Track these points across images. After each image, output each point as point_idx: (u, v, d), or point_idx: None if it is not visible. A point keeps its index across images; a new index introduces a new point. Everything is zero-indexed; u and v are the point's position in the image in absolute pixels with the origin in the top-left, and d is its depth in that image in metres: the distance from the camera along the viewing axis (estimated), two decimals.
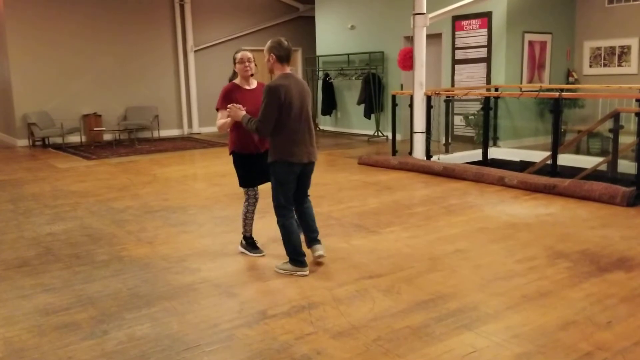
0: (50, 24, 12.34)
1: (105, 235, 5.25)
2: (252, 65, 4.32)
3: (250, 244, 4.62)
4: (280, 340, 3.10)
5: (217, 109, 4.35)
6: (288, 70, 4.03)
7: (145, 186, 7.60)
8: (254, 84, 4.39)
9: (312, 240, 4.31)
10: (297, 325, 3.27)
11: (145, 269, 4.30)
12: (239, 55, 4.31)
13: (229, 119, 4.15)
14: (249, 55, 4.33)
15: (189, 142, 12.56)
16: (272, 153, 4.03)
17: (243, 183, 4.49)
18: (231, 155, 4.46)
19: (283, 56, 3.98)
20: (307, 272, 4.08)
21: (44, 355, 2.99)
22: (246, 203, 4.56)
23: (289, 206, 4.13)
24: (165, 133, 13.80)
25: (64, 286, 3.98)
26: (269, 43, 4.01)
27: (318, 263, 4.28)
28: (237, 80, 4.37)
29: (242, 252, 4.63)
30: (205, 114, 14.39)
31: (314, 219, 4.35)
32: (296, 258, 4.10)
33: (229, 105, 4.10)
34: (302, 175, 4.15)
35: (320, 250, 4.27)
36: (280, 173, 4.03)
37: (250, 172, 4.41)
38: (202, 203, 6.51)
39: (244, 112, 4.04)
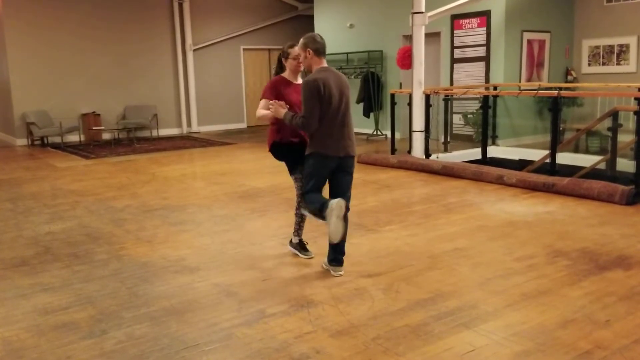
0: (49, 23, 12.32)
1: (104, 235, 5.25)
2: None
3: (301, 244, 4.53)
4: (279, 339, 3.10)
5: (262, 98, 4.28)
6: (325, 63, 3.97)
7: (144, 185, 7.59)
8: (299, 80, 4.34)
9: (336, 260, 4.06)
10: (296, 324, 3.26)
11: (144, 268, 4.29)
12: (292, 51, 4.21)
13: (268, 113, 4.08)
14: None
15: (188, 141, 12.55)
16: (309, 145, 3.99)
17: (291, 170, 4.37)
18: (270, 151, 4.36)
19: (320, 49, 3.93)
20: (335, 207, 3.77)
21: (42, 355, 2.99)
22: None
23: (317, 192, 3.97)
24: (164, 132, 13.79)
25: (62, 285, 3.98)
26: (302, 40, 3.95)
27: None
28: (285, 74, 4.30)
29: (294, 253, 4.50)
30: (204, 113, 14.39)
31: (345, 237, 4.00)
32: (321, 212, 3.83)
33: (271, 102, 4.04)
34: (339, 171, 3.99)
35: (341, 271, 4.05)
36: (313, 165, 3.96)
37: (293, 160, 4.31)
38: (201, 202, 6.51)
39: (285, 110, 3.97)
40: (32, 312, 3.54)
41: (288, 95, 4.17)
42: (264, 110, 4.17)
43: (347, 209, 3.88)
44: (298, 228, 4.48)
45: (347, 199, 3.99)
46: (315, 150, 3.94)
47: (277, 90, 4.20)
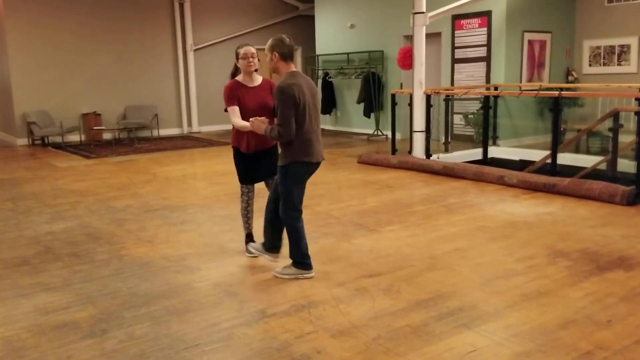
0: (49, 23, 12.32)
1: (105, 234, 5.25)
2: (256, 60, 4.16)
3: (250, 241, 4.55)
4: (280, 339, 3.10)
5: (226, 109, 4.19)
6: (293, 67, 3.89)
7: (144, 185, 7.60)
8: (257, 80, 4.25)
9: (274, 249, 4.16)
10: (297, 324, 3.26)
11: (145, 268, 4.29)
12: (242, 51, 4.15)
13: (248, 124, 3.96)
14: (253, 50, 4.17)
15: (188, 141, 12.55)
16: (285, 155, 3.83)
17: (241, 179, 4.45)
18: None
19: (287, 53, 3.82)
20: (313, 274, 4.00)
21: (43, 355, 2.99)
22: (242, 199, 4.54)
23: (300, 209, 3.97)
24: (164, 132, 13.79)
25: (63, 285, 3.98)
26: (270, 41, 3.86)
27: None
28: (239, 77, 4.22)
29: (252, 254, 4.42)
30: (205, 113, 14.39)
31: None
32: (303, 261, 3.97)
33: (251, 119, 3.89)
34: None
35: (278, 259, 4.17)
36: (296, 175, 3.86)
37: (249, 169, 4.36)
38: (202, 202, 6.51)
39: (266, 124, 3.84)
40: (33, 311, 3.54)
41: (246, 99, 4.10)
42: (242, 121, 4.07)
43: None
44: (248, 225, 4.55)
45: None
46: (296, 159, 3.82)
47: (235, 96, 4.11)
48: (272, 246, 4.16)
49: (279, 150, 4.03)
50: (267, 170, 4.35)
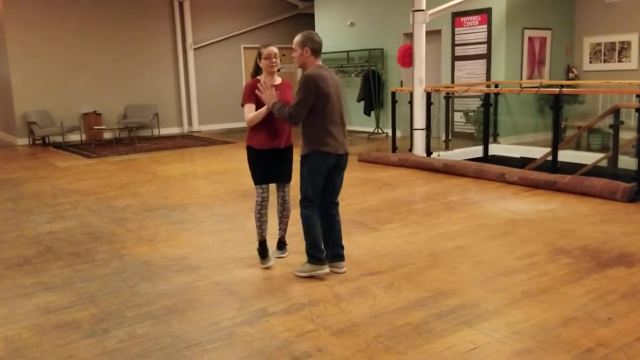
0: (49, 22, 12.32)
1: (106, 234, 5.25)
2: (278, 60, 4.13)
3: (261, 250, 4.29)
4: (280, 337, 3.10)
5: (243, 105, 4.14)
6: (320, 62, 3.93)
7: (145, 184, 7.60)
8: (277, 80, 4.21)
9: (337, 257, 4.05)
10: (298, 323, 3.26)
11: (146, 267, 4.30)
12: (265, 51, 4.09)
13: (263, 109, 3.99)
14: (276, 50, 4.13)
15: (189, 140, 12.55)
16: (305, 145, 3.89)
17: (255, 179, 4.25)
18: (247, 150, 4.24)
19: (317, 49, 3.88)
20: (328, 270, 3.96)
21: (44, 354, 2.99)
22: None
23: (316, 200, 3.95)
24: (165, 131, 13.79)
25: (64, 285, 3.98)
26: (300, 37, 3.88)
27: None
28: (261, 76, 4.15)
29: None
30: (205, 111, 14.39)
31: (341, 231, 4.11)
32: (315, 254, 3.93)
33: (262, 88, 3.89)
34: (335, 170, 3.96)
35: (344, 267, 4.06)
36: (313, 165, 3.88)
37: (263, 167, 4.20)
38: (202, 201, 6.51)
39: (277, 98, 3.89)
40: (34, 311, 3.54)
41: (262, 99, 4.03)
42: (252, 113, 4.05)
43: (337, 203, 4.09)
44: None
45: (337, 194, 4.08)
46: (314, 148, 3.87)
47: (253, 94, 4.04)
48: (334, 254, 4.06)
49: (300, 149, 3.99)
50: (280, 172, 4.24)
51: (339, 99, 3.95)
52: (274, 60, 4.10)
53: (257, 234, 4.30)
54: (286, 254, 4.46)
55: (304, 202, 3.97)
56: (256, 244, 4.33)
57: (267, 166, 4.18)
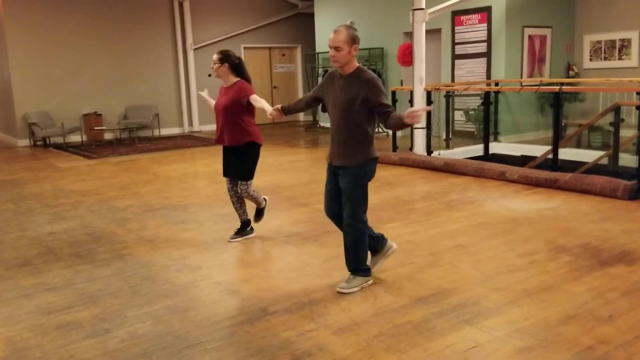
0: (50, 23, 12.33)
1: (106, 234, 5.25)
2: (215, 66, 4.62)
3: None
4: (281, 336, 3.10)
5: (250, 95, 4.57)
6: None
7: (145, 185, 7.60)
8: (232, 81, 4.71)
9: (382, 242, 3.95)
10: (299, 322, 3.27)
11: (147, 267, 4.30)
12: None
13: (264, 104, 4.38)
14: (213, 57, 4.63)
15: (189, 141, 12.56)
16: (360, 152, 3.51)
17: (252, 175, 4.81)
18: (251, 147, 4.66)
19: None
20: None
21: (45, 354, 3.00)
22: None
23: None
24: (165, 131, 13.80)
25: (65, 285, 3.99)
26: (349, 32, 3.41)
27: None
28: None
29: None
30: (205, 112, 14.38)
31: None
32: (364, 268, 3.75)
33: (413, 110, 3.29)
34: None
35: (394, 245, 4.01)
36: (372, 173, 3.64)
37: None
38: (203, 201, 6.51)
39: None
40: (35, 311, 3.55)
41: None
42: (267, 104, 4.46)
43: None
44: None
45: None
46: (372, 155, 3.56)
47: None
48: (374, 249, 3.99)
49: (345, 151, 3.62)
50: (235, 169, 4.75)
51: None
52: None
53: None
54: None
55: (363, 216, 3.69)
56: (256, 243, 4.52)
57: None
